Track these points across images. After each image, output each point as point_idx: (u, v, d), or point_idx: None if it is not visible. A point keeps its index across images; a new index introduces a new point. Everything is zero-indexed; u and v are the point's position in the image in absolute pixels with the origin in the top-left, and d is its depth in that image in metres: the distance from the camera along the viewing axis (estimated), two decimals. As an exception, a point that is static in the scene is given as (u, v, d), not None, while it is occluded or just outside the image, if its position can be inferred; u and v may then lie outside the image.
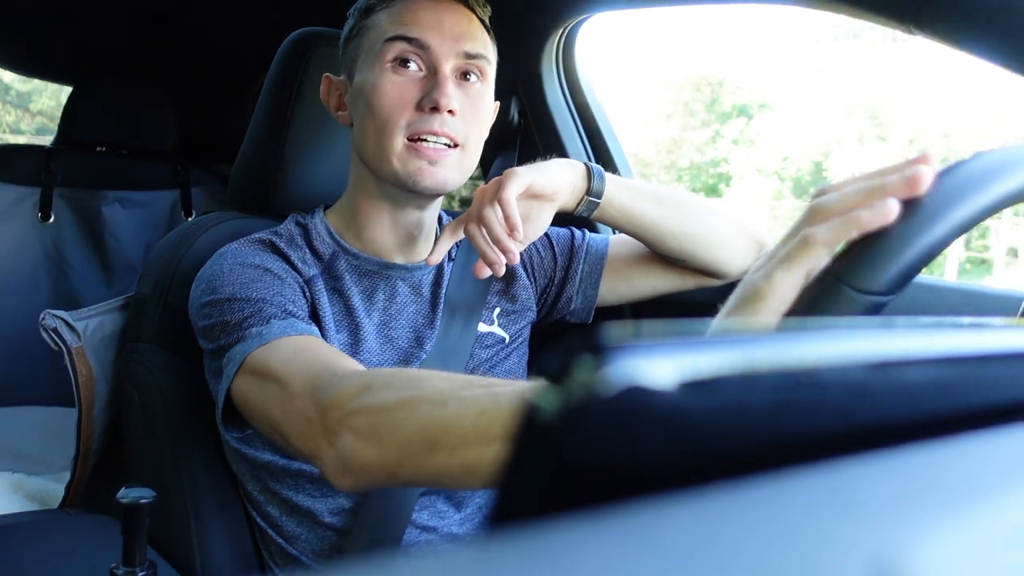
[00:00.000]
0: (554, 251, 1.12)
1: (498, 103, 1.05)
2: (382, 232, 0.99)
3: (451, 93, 0.90)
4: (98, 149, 2.00)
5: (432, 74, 0.91)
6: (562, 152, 1.36)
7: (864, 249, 0.50)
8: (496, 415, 0.60)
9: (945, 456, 0.24)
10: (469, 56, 0.92)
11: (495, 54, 0.98)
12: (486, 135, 0.99)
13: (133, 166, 2.01)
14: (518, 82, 1.37)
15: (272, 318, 0.84)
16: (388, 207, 0.98)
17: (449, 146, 0.91)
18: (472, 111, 0.93)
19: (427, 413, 0.64)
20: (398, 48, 0.91)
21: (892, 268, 0.49)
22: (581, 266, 1.12)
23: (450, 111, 0.90)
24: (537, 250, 1.12)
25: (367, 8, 0.96)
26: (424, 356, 0.98)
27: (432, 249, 0.93)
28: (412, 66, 0.91)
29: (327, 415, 0.70)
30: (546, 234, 1.11)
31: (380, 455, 0.67)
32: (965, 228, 0.50)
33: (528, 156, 1.35)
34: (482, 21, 0.96)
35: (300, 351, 0.80)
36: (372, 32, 0.94)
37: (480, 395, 0.63)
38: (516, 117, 1.39)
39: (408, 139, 0.90)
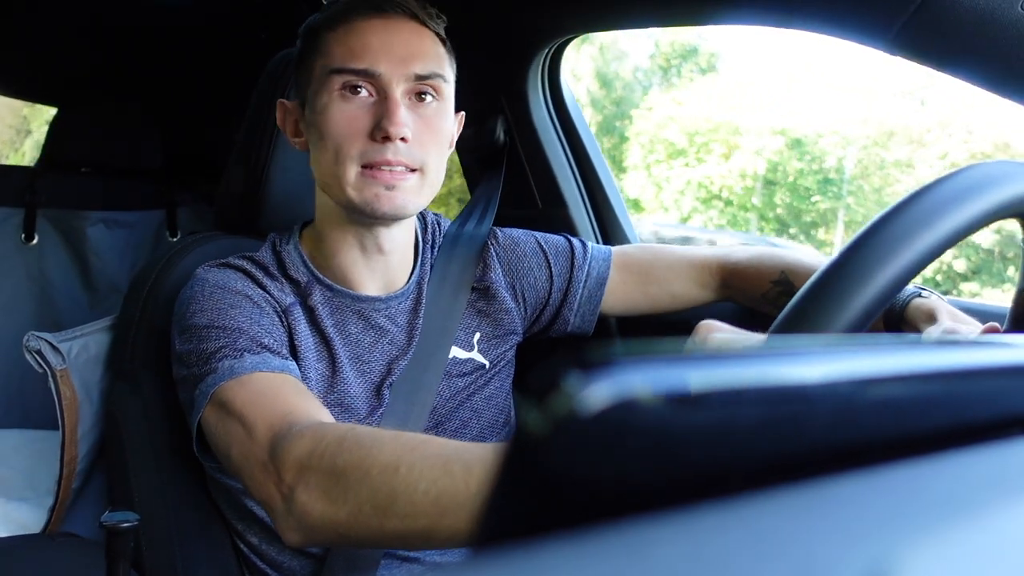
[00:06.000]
0: (550, 270, 1.08)
1: (462, 113, 1.01)
2: (352, 259, 0.96)
3: (403, 120, 0.86)
4: (83, 169, 1.99)
5: (383, 99, 0.88)
6: (548, 171, 1.37)
7: (790, 326, 0.49)
8: (448, 486, 0.60)
9: (934, 472, 0.24)
10: (421, 77, 0.89)
11: (453, 68, 0.95)
12: (449, 152, 0.96)
13: (118, 186, 2.00)
14: (503, 101, 1.38)
15: (245, 352, 0.83)
16: (353, 230, 0.94)
17: (408, 170, 0.89)
18: (428, 133, 0.90)
19: (377, 479, 0.64)
20: (345, 78, 0.88)
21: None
22: (581, 290, 1.08)
23: (402, 139, 0.87)
24: (531, 269, 1.07)
25: (313, 30, 0.93)
26: (396, 385, 0.95)
27: None
28: (362, 92, 0.88)
29: (281, 468, 0.71)
30: (542, 250, 1.08)
31: (332, 516, 0.67)
32: (894, 291, 0.47)
33: (514, 175, 1.36)
34: (437, 34, 0.92)
35: (266, 391, 0.80)
36: (321, 58, 0.90)
37: (433, 463, 0.62)
38: (502, 136, 1.39)
39: (362, 167, 0.87)
